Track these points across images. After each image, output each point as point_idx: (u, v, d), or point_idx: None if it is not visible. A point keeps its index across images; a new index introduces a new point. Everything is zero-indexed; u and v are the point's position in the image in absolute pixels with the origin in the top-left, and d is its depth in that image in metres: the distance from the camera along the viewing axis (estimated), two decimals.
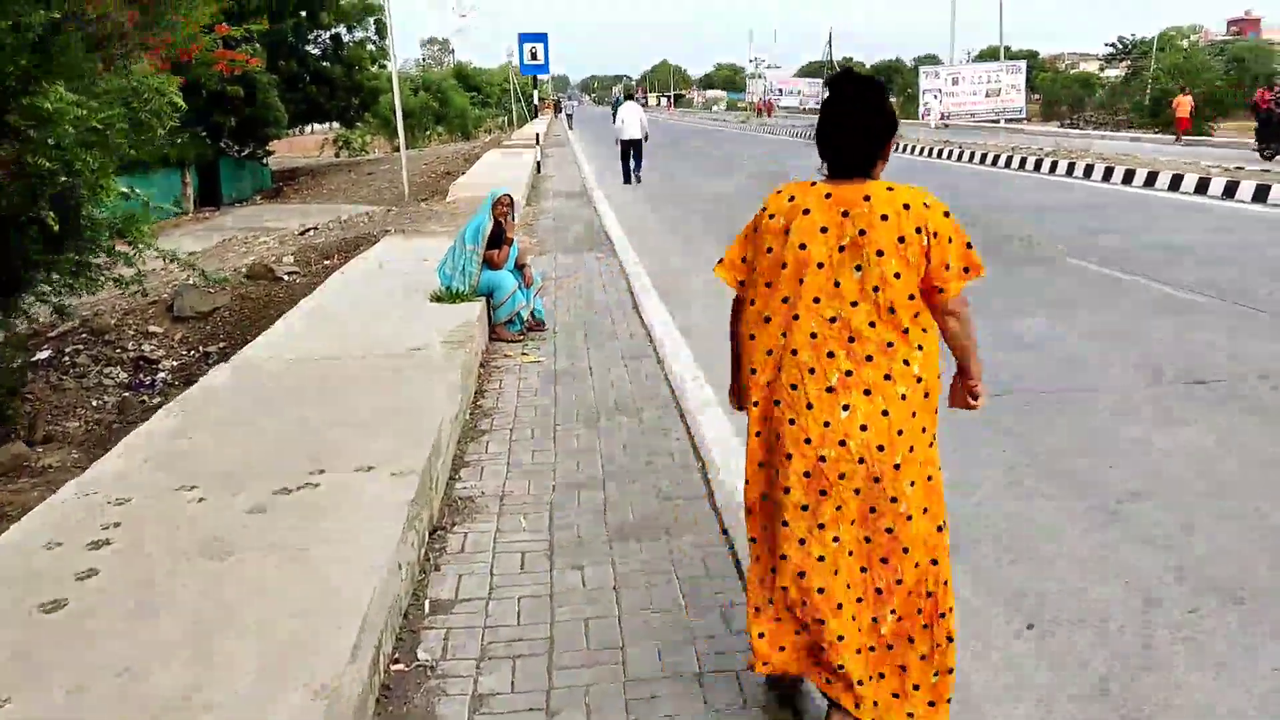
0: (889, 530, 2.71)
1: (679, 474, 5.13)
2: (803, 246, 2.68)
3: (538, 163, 25.53)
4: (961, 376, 2.90)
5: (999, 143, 29.88)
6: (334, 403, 5.39)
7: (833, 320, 2.66)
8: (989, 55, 79.96)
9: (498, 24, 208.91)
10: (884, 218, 2.62)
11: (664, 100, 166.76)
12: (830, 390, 2.66)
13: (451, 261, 8.04)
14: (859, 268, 2.65)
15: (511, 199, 8.21)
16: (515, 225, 8.38)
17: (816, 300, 2.67)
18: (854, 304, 2.65)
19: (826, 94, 2.75)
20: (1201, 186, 17.08)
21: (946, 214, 2.68)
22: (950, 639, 2.80)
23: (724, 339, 3.10)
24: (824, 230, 2.67)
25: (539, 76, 25.73)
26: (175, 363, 9.20)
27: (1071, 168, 20.98)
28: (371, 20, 36.91)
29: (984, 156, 24.55)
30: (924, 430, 2.71)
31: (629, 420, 5.99)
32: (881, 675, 2.79)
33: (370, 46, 38.47)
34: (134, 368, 8.98)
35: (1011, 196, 17.60)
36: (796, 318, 2.70)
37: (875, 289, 2.64)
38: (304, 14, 33.95)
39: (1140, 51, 60.21)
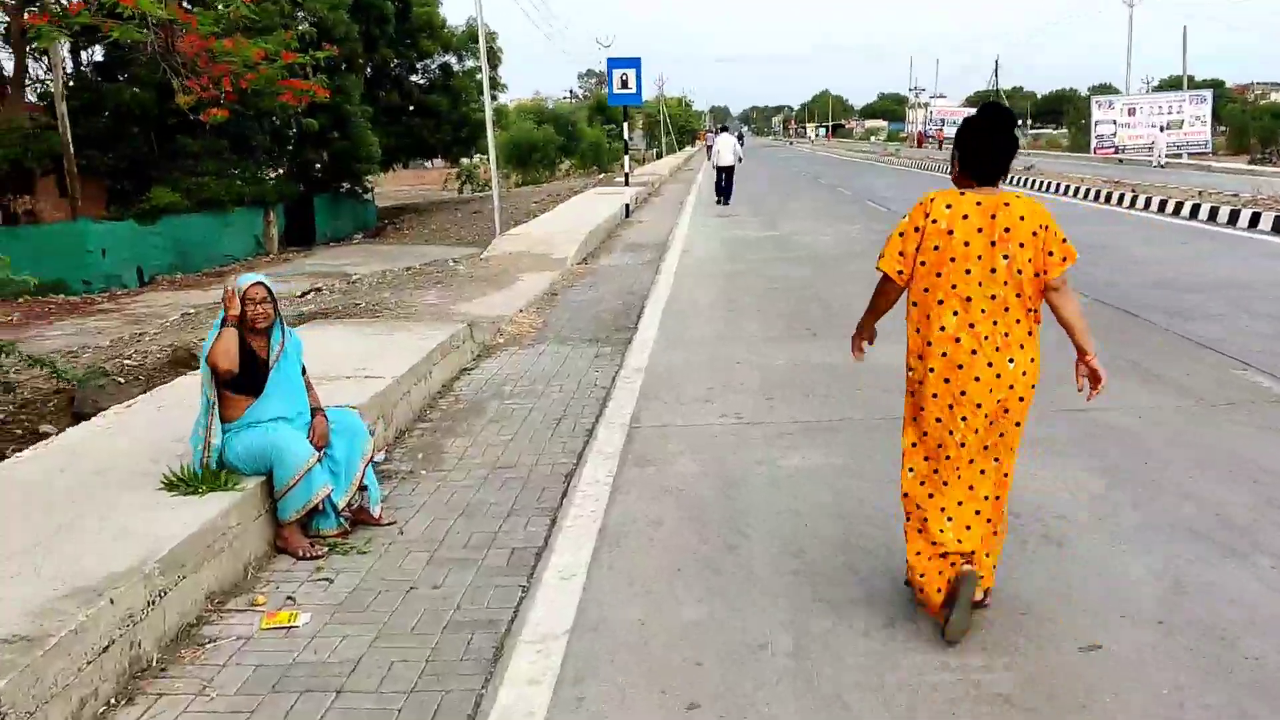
0: (1010, 447, 3.67)
1: None
2: (966, 244, 3.48)
3: (626, 206, 22.29)
4: (1080, 356, 3.72)
5: (1180, 183, 25.08)
6: None
7: (993, 298, 3.48)
8: (1170, 85, 73.59)
9: (649, 57, 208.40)
10: (1021, 218, 3.47)
11: (822, 131, 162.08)
12: (998, 350, 3.50)
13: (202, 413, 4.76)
14: (1006, 256, 3.46)
15: (267, 291, 4.88)
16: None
17: (980, 284, 3.48)
18: (1005, 283, 3.48)
19: (971, 122, 3.63)
20: None
21: (1041, 212, 3.54)
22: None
23: None
24: (980, 230, 3.48)
25: (629, 108, 22.50)
26: None
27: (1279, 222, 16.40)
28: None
29: (1163, 204, 19.96)
30: (1034, 387, 3.62)
31: None
32: (988, 554, 3.76)
33: (479, 76, 36.08)
34: None
35: (1202, 264, 13.30)
36: (969, 299, 3.49)
37: (1019, 271, 3.47)
38: (406, 42, 31.73)
39: None
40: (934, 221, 3.50)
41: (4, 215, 23.55)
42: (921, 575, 3.68)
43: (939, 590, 3.64)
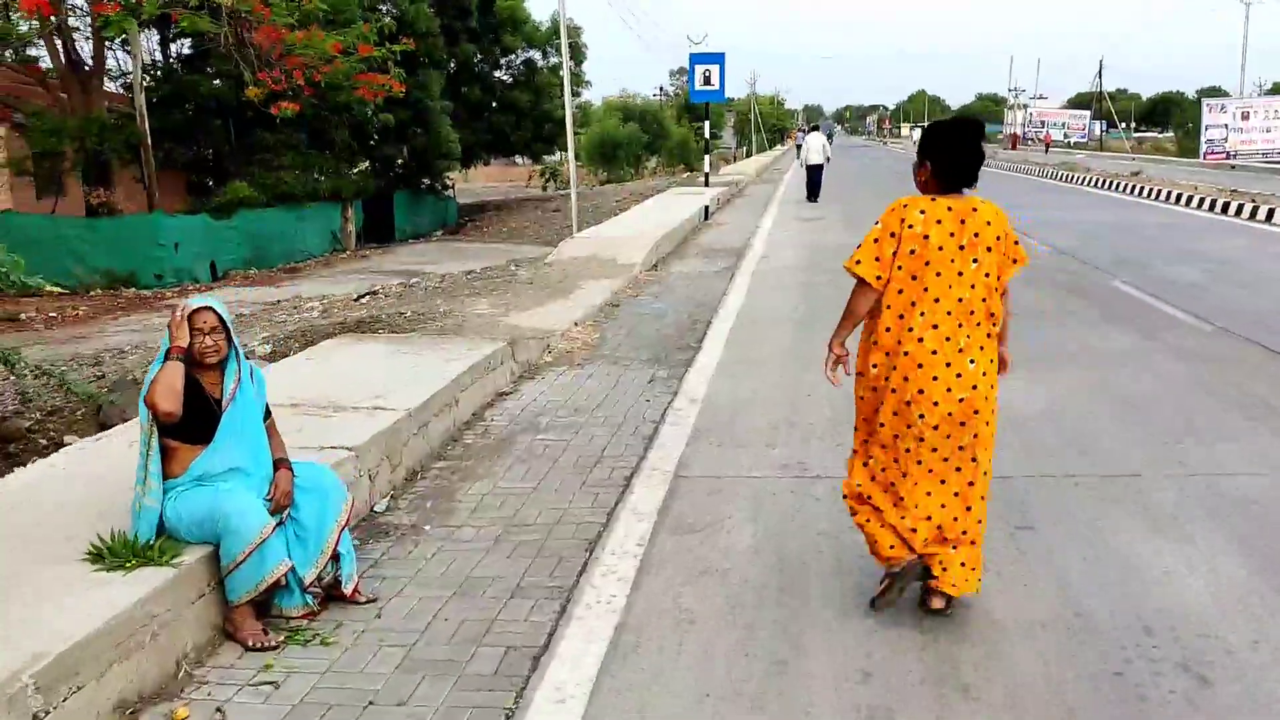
0: (984, 449, 3.78)
1: None
2: (940, 249, 3.58)
3: (706, 208, 21.29)
4: (1000, 343, 3.88)
5: None
6: None
7: (960, 300, 3.61)
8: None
9: (741, 54, 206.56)
10: (988, 223, 3.64)
11: (916, 131, 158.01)
12: (961, 350, 3.62)
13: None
14: (975, 260, 3.61)
15: (219, 319, 3.99)
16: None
17: (950, 287, 3.60)
18: (972, 286, 3.62)
19: (942, 132, 3.77)
20: None
21: (1004, 217, 3.74)
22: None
23: None
24: (951, 235, 3.59)
25: (712, 104, 21.48)
26: None
27: None
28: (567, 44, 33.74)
29: (1271, 213, 18.21)
30: (996, 388, 3.76)
31: None
32: (955, 546, 3.77)
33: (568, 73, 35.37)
34: None
35: None
36: (938, 300, 3.60)
37: (986, 274, 3.64)
38: (489, 37, 31.11)
39: None
40: (910, 227, 3.60)
41: (86, 207, 23.49)
42: (878, 542, 3.87)
43: (890, 549, 3.82)
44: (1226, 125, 51.83)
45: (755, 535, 4.71)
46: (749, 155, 71.61)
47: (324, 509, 4.07)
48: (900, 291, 3.64)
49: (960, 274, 3.59)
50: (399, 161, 29.85)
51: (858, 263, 3.69)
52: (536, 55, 34.32)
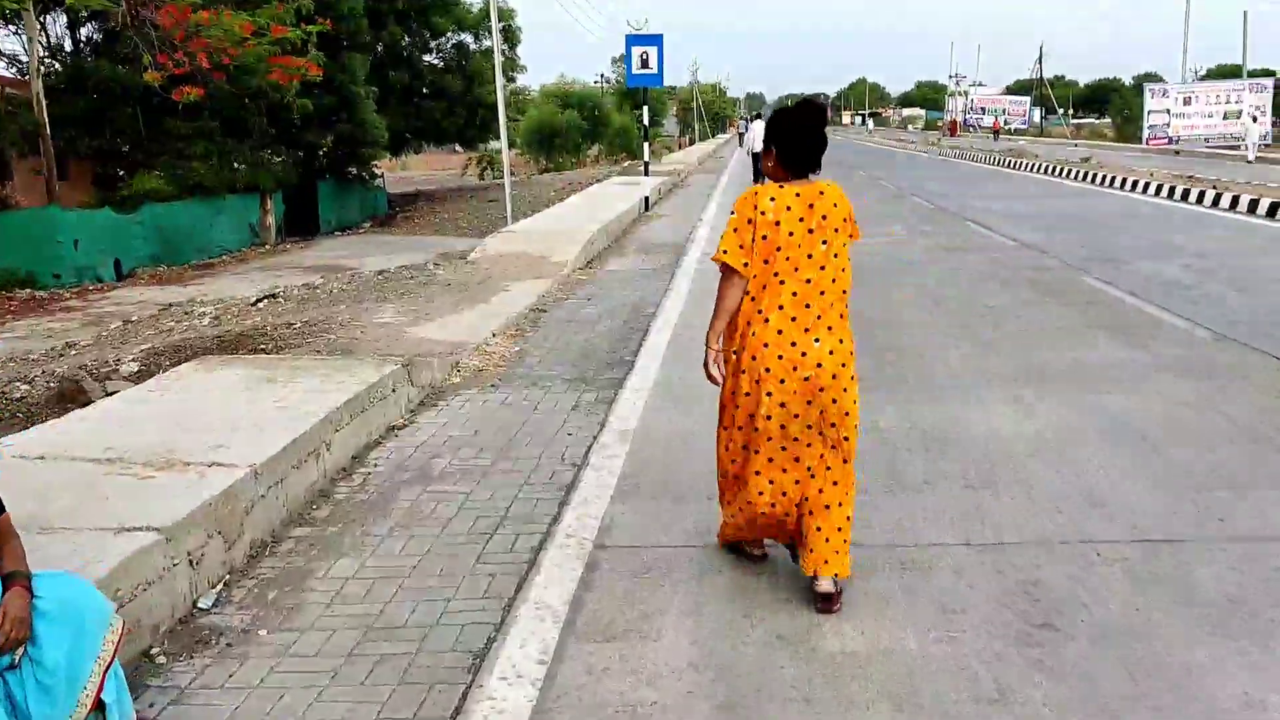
0: (836, 428, 3.75)
1: None
2: (791, 234, 3.63)
3: (646, 199, 20.11)
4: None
5: (1260, 180, 22.52)
6: None
7: (808, 281, 3.65)
8: (1218, 75, 70.13)
9: (683, 39, 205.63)
10: (835, 205, 3.70)
11: (871, 121, 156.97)
12: (806, 330, 3.65)
13: None
14: (824, 242, 3.67)
15: None
16: None
17: (797, 269, 3.65)
18: (822, 268, 3.66)
19: (787, 119, 3.74)
20: None
21: (846, 199, 3.79)
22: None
23: None
24: (801, 220, 3.64)
25: (651, 90, 20.26)
26: None
27: None
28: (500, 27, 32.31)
29: (1254, 204, 17.38)
30: (850, 366, 3.77)
31: None
32: (818, 528, 3.75)
33: (501, 57, 33.95)
34: None
35: None
36: (783, 283, 3.65)
37: (835, 255, 3.69)
38: (417, 19, 29.61)
39: None
40: (762, 214, 3.65)
41: None
42: (734, 520, 4.02)
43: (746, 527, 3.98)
44: (1169, 110, 51.84)
45: (695, 645, 3.54)
46: (691, 143, 70.57)
47: (78, 643, 2.84)
48: (754, 276, 3.68)
49: (809, 256, 3.65)
50: (322, 150, 28.22)
51: (724, 253, 3.70)
52: (469, 39, 32.85)
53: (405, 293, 10.61)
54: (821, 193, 3.69)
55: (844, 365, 3.72)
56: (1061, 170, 28.64)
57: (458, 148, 50.16)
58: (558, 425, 6.17)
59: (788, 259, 3.63)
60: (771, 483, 3.75)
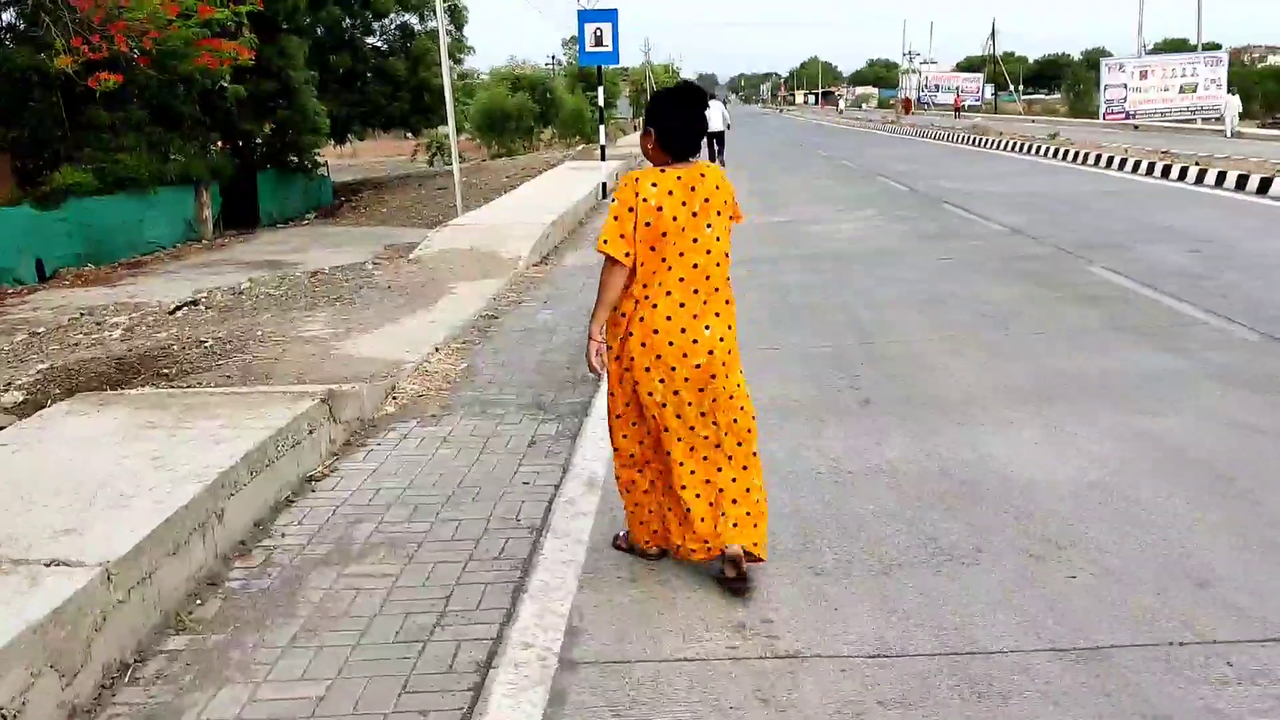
0: (727, 414, 3.69)
1: None
2: (674, 219, 3.56)
3: (604, 185, 19.01)
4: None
5: (1221, 151, 21.78)
6: None
7: (695, 266, 3.60)
8: (1165, 49, 70.06)
9: (634, 21, 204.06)
10: (717, 187, 3.65)
11: (844, 101, 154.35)
12: (696, 316, 3.60)
13: None
14: (708, 225, 3.61)
15: None
16: None
17: (682, 254, 3.58)
18: (707, 252, 3.62)
19: (666, 101, 3.66)
20: None
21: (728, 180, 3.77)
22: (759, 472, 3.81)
23: None
24: (684, 204, 3.57)
25: (607, 72, 19.14)
26: None
27: None
28: (445, 7, 30.92)
29: (1242, 180, 16.56)
30: (736, 351, 3.76)
31: None
32: (725, 510, 3.69)
33: (448, 38, 32.58)
34: None
35: None
36: (670, 269, 3.58)
37: (718, 239, 3.65)
38: (354, 1, 28.18)
39: None
40: (644, 201, 3.56)
41: None
42: (642, 523, 3.92)
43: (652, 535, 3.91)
44: (1125, 85, 51.80)
45: None
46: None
47: None
48: (641, 264, 3.60)
49: (695, 240, 3.60)
50: (260, 140, 26.78)
51: (605, 242, 3.59)
52: (413, 20, 31.33)
53: (339, 297, 9.48)
54: (703, 175, 3.64)
55: (730, 352, 3.70)
56: (1028, 147, 27.88)
57: (409, 135, 48.74)
58: (510, 470, 5.12)
59: (673, 244, 3.58)
60: (693, 473, 3.69)
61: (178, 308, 10.88)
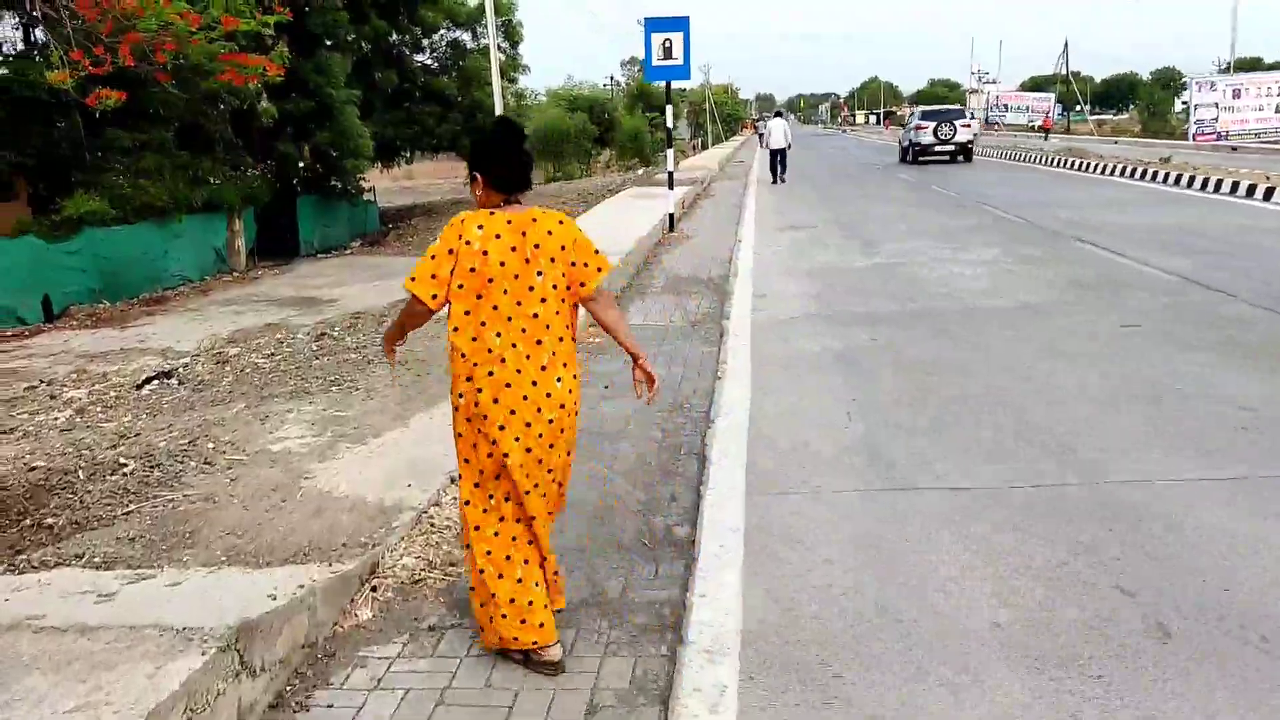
0: (561, 472, 3.55)
1: None
2: (502, 264, 3.32)
3: (670, 216, 16.68)
4: (634, 361, 3.67)
5: None
6: None
7: (535, 316, 3.37)
8: (1240, 68, 66.61)
9: (693, 42, 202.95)
10: (549, 233, 3.40)
11: (873, 119, 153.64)
12: (544, 368, 3.38)
13: None
14: (540, 273, 3.37)
15: None
16: None
17: (519, 303, 3.35)
18: (544, 300, 3.38)
19: (488, 141, 3.43)
20: None
21: (569, 225, 3.50)
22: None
23: None
24: (514, 249, 3.35)
25: (675, 84, 16.83)
26: None
27: None
28: (499, 23, 28.93)
29: None
30: (578, 404, 3.57)
31: None
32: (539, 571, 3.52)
33: (501, 56, 30.58)
34: None
35: None
36: (510, 319, 3.34)
37: (554, 286, 3.40)
38: (403, 12, 26.24)
39: None
40: (468, 243, 3.35)
41: None
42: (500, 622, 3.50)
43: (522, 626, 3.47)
44: (1217, 104, 48.91)
45: None
46: (704, 147, 67.10)
47: None
48: (467, 313, 3.37)
49: (530, 288, 3.37)
50: (300, 163, 24.88)
51: (413, 279, 3.35)
52: (465, 36, 29.45)
53: (337, 379, 7.24)
54: (535, 220, 3.41)
55: (577, 403, 3.53)
56: (1132, 171, 25.12)
57: (459, 156, 46.90)
58: None
59: (506, 292, 3.35)
60: (514, 539, 3.46)
61: (147, 380, 8.71)
